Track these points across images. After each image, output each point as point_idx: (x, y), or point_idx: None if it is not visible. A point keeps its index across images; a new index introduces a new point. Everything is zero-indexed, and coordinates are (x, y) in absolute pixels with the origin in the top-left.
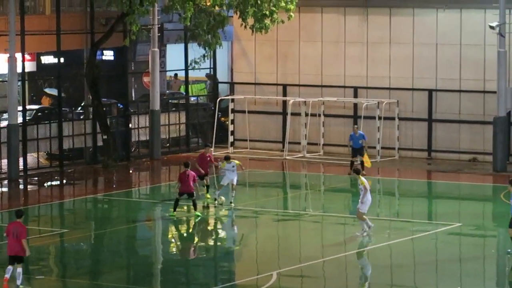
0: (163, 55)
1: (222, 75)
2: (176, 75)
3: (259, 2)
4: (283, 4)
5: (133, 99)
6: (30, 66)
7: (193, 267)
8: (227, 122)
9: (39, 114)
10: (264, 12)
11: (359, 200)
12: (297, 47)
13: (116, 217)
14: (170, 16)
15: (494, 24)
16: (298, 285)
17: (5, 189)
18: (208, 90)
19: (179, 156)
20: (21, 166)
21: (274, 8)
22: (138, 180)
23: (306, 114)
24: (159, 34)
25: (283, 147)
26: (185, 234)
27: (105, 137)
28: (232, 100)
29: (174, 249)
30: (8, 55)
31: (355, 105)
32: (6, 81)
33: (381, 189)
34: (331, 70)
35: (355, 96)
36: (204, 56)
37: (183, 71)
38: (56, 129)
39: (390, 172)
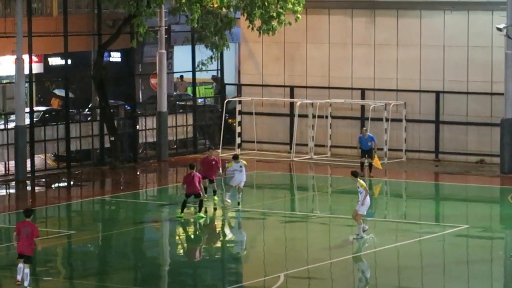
0: (170, 57)
1: (229, 76)
2: (181, 76)
3: (266, 4)
4: (290, 6)
5: (140, 100)
6: (37, 68)
7: (200, 268)
8: (234, 124)
9: (47, 115)
10: (271, 14)
11: (359, 203)
12: (304, 49)
13: (123, 219)
14: (177, 17)
15: (501, 26)
16: (306, 287)
17: (12, 191)
18: (215, 92)
19: (186, 157)
20: (28, 168)
21: (281, 10)
22: (145, 181)
23: (313, 116)
24: (166, 36)
25: (290, 148)
26: (192, 236)
27: (112, 138)
28: (239, 101)
29: (181, 251)
30: (15, 56)
31: (363, 107)
32: (13, 82)
33: (389, 191)
34: (338, 72)
35: (362, 98)
36: (211, 57)
37: (190, 73)
38: (64, 131)
39: (397, 174)
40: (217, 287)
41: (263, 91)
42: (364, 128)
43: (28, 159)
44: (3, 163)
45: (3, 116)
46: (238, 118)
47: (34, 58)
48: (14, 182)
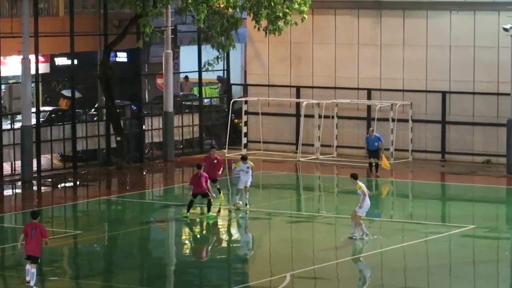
0: (176, 57)
1: (235, 77)
2: (186, 77)
3: (272, 4)
4: (296, 6)
5: (147, 100)
6: (43, 68)
7: (206, 268)
8: (240, 124)
9: (53, 115)
10: (277, 14)
11: (358, 205)
12: (310, 49)
13: (130, 219)
14: (183, 18)
15: (508, 26)
16: (312, 287)
17: (18, 191)
18: (220, 92)
19: (192, 157)
20: (34, 168)
21: (287, 10)
22: (151, 181)
23: (320, 116)
24: (173, 36)
25: (297, 149)
26: (198, 236)
27: (118, 138)
28: (246, 102)
29: (187, 251)
30: (22, 56)
31: (369, 107)
32: (20, 82)
33: (395, 191)
34: (345, 72)
35: (369, 98)
36: (217, 58)
37: (197, 73)
38: (70, 131)
39: (403, 174)
40: (223, 287)
41: (269, 91)
42: (371, 129)
43: (34, 159)
44: (10, 163)
45: (9, 116)
46: (244, 118)
47: (41, 58)
48: (20, 182)
